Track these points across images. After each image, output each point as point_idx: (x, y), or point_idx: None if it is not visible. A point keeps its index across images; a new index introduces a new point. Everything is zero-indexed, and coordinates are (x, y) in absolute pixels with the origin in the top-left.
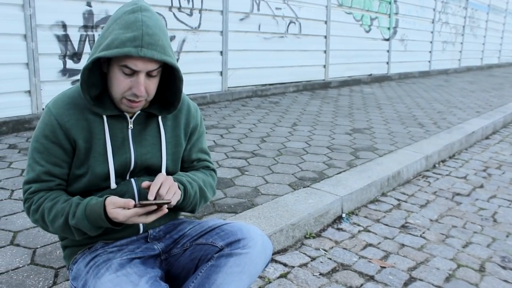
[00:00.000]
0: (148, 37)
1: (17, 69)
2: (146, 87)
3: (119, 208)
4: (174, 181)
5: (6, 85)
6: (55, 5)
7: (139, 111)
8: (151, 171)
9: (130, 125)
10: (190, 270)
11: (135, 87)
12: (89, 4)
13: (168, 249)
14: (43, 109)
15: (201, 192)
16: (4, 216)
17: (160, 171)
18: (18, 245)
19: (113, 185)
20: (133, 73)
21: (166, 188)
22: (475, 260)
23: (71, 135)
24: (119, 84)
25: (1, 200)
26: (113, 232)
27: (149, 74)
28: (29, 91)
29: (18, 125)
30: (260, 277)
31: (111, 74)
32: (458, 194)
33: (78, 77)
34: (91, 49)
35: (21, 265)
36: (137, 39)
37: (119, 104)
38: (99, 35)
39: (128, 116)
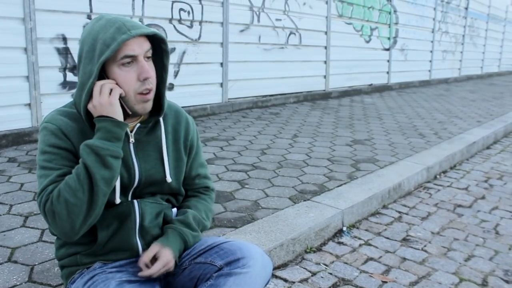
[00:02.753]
0: (128, 23)
1: (17, 82)
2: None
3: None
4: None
5: (6, 98)
6: (56, 18)
7: (138, 124)
8: (155, 187)
9: (132, 139)
10: None
11: (141, 72)
12: (89, 17)
13: None
14: None
15: (202, 228)
16: (2, 232)
17: (164, 186)
18: (16, 262)
19: (117, 200)
20: (132, 61)
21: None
22: (478, 274)
23: (75, 145)
24: (127, 79)
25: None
26: (112, 253)
27: (145, 57)
28: (29, 104)
29: (18, 138)
30: None
31: (115, 79)
32: (459, 205)
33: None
34: None
35: (18, 283)
36: (121, 27)
37: (134, 106)
38: (78, 59)
39: (128, 130)
